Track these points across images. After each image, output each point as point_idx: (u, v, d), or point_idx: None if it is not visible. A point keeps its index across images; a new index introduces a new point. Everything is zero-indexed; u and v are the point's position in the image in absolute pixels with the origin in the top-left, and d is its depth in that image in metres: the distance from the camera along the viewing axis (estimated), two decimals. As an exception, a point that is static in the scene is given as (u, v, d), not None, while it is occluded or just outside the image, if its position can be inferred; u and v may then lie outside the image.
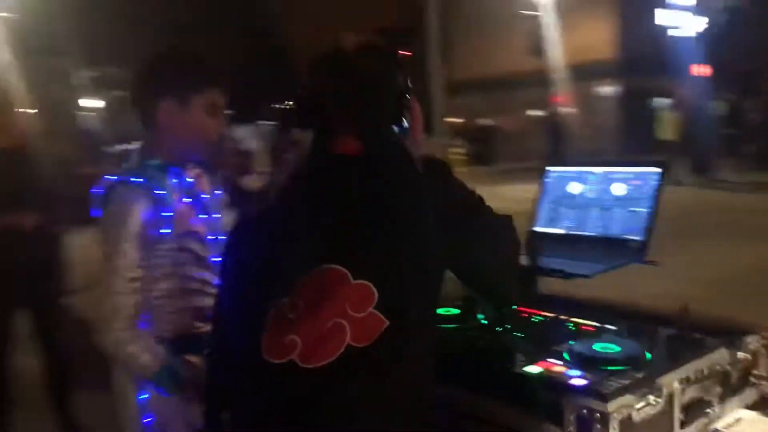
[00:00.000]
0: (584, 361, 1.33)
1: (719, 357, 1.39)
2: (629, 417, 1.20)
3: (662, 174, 1.72)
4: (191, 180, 1.78)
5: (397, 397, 1.17)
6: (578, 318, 1.63)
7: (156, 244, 1.66)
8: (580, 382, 1.26)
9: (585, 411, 1.19)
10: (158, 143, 1.72)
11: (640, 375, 1.27)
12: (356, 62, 1.28)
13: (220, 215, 1.82)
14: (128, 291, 1.63)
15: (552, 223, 1.93)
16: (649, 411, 1.23)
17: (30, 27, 14.83)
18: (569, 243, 1.84)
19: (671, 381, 1.28)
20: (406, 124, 1.31)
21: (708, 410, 1.37)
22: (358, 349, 1.13)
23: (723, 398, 1.40)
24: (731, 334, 1.45)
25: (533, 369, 1.34)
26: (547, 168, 2.00)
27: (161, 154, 1.71)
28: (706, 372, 1.35)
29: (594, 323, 1.59)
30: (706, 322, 1.50)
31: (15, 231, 3.09)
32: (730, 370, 1.40)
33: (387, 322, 1.14)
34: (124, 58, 9.10)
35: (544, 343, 1.46)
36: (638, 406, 1.21)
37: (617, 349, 1.37)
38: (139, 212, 1.64)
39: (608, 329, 1.54)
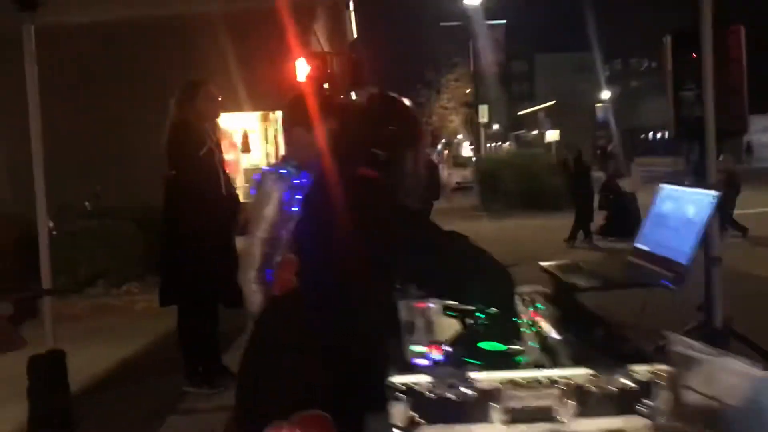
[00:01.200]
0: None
1: (574, 373, 1.44)
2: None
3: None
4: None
5: None
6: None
7: (286, 219, 2.43)
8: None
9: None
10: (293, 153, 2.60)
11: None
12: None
13: None
14: (261, 247, 2.46)
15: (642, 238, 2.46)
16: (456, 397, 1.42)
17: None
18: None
19: (489, 378, 1.43)
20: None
21: (550, 421, 1.43)
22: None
23: (577, 414, 1.43)
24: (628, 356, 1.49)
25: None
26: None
27: (296, 159, 2.56)
28: (544, 381, 1.43)
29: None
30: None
31: None
32: (592, 388, 1.43)
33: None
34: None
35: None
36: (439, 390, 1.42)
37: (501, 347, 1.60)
38: (279, 192, 2.47)
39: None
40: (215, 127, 4.31)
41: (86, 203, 8.01)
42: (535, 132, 55.44)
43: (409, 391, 1.43)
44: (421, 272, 1.90)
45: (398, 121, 2.01)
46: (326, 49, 12.35)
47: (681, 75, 3.83)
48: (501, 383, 1.43)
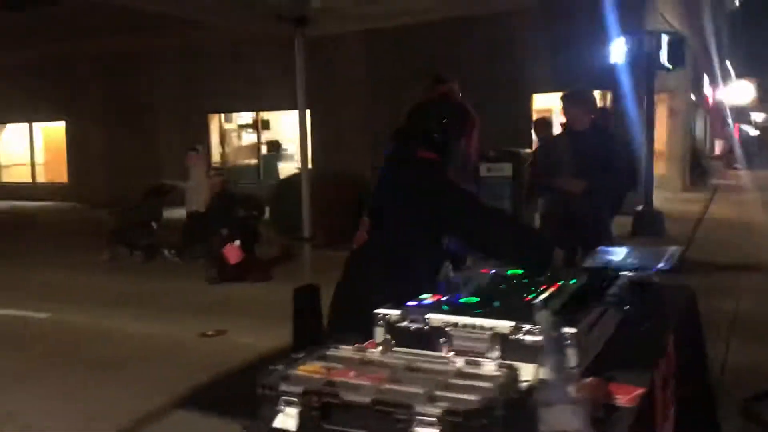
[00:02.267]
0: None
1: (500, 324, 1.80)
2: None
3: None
4: None
5: None
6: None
7: None
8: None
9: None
10: None
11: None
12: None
13: None
14: None
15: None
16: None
17: None
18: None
19: (438, 319, 1.87)
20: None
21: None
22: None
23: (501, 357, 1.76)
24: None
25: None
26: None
27: None
28: (477, 327, 1.83)
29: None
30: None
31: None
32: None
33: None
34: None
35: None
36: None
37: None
38: None
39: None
40: None
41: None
42: None
43: (385, 320, 1.97)
44: (467, 234, 2.42)
45: (451, 114, 2.58)
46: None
47: None
48: (446, 324, 1.89)
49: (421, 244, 2.46)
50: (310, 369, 1.65)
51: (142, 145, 17.77)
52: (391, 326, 1.98)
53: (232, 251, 7.94)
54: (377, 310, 2.01)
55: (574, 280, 2.36)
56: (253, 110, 17.52)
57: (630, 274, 2.45)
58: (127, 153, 17.98)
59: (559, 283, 2.32)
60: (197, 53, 16.73)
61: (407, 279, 2.36)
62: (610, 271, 2.46)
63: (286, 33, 4.44)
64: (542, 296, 2.11)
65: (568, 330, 1.79)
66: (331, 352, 1.79)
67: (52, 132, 20.12)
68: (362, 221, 2.84)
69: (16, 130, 20.74)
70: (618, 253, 2.79)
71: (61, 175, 19.88)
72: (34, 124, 20.29)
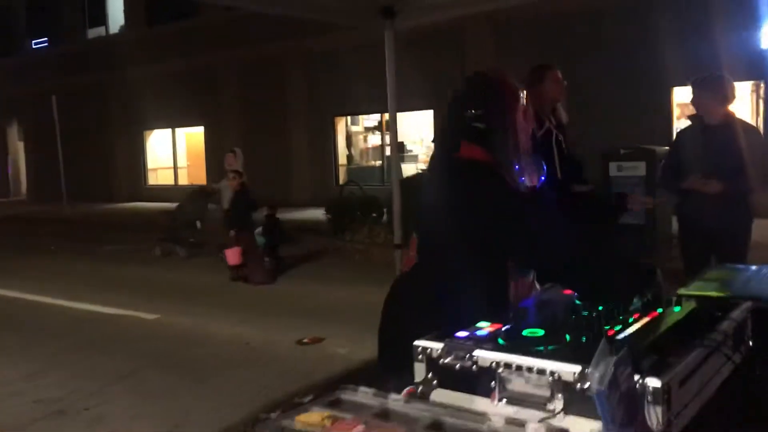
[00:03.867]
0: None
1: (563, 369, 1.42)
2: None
3: None
4: None
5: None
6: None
7: None
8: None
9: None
10: None
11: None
12: None
13: None
14: None
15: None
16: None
17: None
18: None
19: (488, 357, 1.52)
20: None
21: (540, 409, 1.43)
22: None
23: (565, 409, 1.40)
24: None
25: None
26: None
27: None
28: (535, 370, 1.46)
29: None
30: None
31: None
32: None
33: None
34: None
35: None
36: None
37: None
38: None
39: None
40: (556, 109, 4.45)
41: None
42: None
43: (426, 354, 1.63)
44: (529, 255, 2.02)
45: (491, 96, 2.17)
46: None
47: None
48: (497, 364, 1.52)
49: (474, 264, 2.06)
50: (309, 420, 1.34)
51: (273, 148, 18.27)
52: (432, 362, 1.63)
53: (231, 253, 8.24)
54: (418, 342, 1.67)
55: (678, 308, 1.90)
56: (378, 112, 17.50)
57: (755, 302, 1.94)
58: (259, 156, 18.55)
59: (657, 312, 1.88)
60: (325, 57, 16.94)
61: (458, 305, 2.00)
62: (727, 297, 1.96)
63: (377, 26, 4.17)
64: (629, 330, 1.68)
65: (651, 381, 1.37)
66: (347, 396, 1.48)
67: (194, 137, 21.20)
68: (412, 240, 2.43)
69: (162, 135, 22.05)
70: (743, 274, 2.25)
71: (201, 178, 20.89)
72: (177, 130, 21.47)
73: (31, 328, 6.51)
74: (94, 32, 22.74)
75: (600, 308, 1.86)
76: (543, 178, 2.86)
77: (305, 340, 5.40)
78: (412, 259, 2.32)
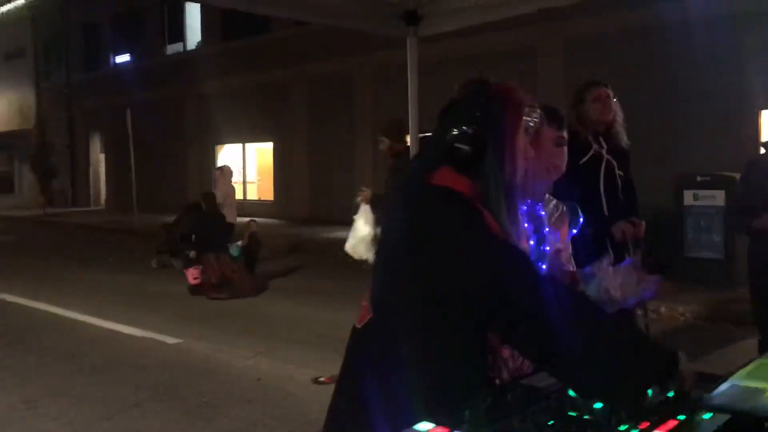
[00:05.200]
0: None
1: None
2: None
3: None
4: None
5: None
6: None
7: None
8: None
9: None
10: None
11: None
12: None
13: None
14: None
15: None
16: None
17: None
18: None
19: None
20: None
21: None
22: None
23: None
24: None
25: None
26: None
27: None
28: None
29: None
30: None
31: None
32: None
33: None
34: None
35: None
36: None
37: None
38: None
39: None
40: (612, 130, 3.86)
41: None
42: None
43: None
44: (505, 327, 1.48)
45: (484, 109, 1.63)
46: None
47: None
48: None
49: (432, 330, 1.55)
50: None
51: (340, 163, 18.07)
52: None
53: (189, 273, 8.87)
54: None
55: (709, 415, 1.36)
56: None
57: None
58: (326, 170, 18.41)
59: (677, 420, 1.34)
60: (394, 71, 16.64)
61: (406, 389, 1.50)
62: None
63: (400, 33, 3.72)
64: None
65: None
66: None
67: (263, 152, 21.28)
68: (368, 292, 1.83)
69: (233, 150, 22.26)
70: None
71: (269, 193, 20.93)
72: (247, 145, 21.62)
73: (46, 345, 6.33)
74: (172, 48, 23.29)
75: (596, 407, 1.33)
76: (575, 230, 2.30)
77: (322, 379, 4.93)
78: (365, 310, 1.78)
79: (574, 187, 3.75)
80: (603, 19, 11.71)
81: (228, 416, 4.44)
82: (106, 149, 26.19)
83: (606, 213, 3.73)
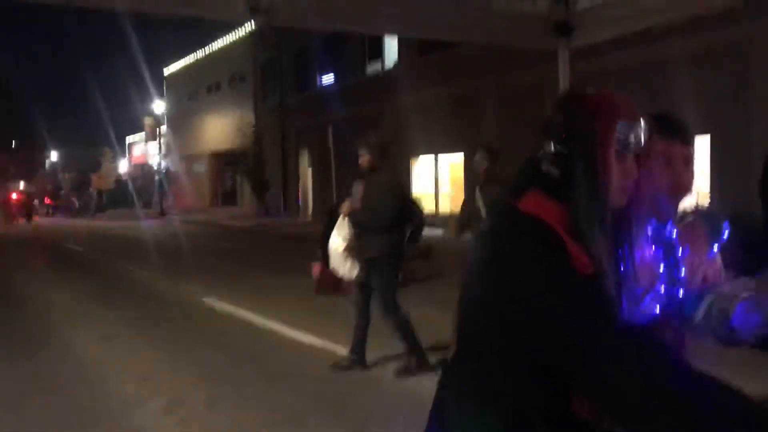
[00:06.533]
0: None
1: None
2: None
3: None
4: None
5: None
6: None
7: None
8: None
9: None
10: None
11: None
12: None
13: None
14: None
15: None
16: None
17: None
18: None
19: None
20: None
21: None
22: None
23: None
24: None
25: None
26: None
27: None
28: None
29: None
30: None
31: None
32: None
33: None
34: None
35: None
36: None
37: None
38: None
39: None
40: None
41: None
42: None
43: None
44: (582, 377, 1.33)
45: (577, 126, 1.47)
46: None
47: None
48: None
49: (504, 376, 1.42)
50: None
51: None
52: None
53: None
54: None
55: None
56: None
57: None
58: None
59: None
60: (587, 81, 15.95)
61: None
62: None
63: (550, 46, 3.53)
64: None
65: None
66: None
67: (455, 164, 21.46)
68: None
69: (426, 161, 22.70)
70: None
71: (459, 205, 21.03)
72: (439, 155, 21.93)
73: (236, 348, 6.86)
74: (372, 68, 24.35)
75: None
76: (717, 245, 2.00)
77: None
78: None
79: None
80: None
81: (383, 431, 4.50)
82: (312, 164, 28.02)
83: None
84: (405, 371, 5.60)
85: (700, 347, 1.79)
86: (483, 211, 5.60)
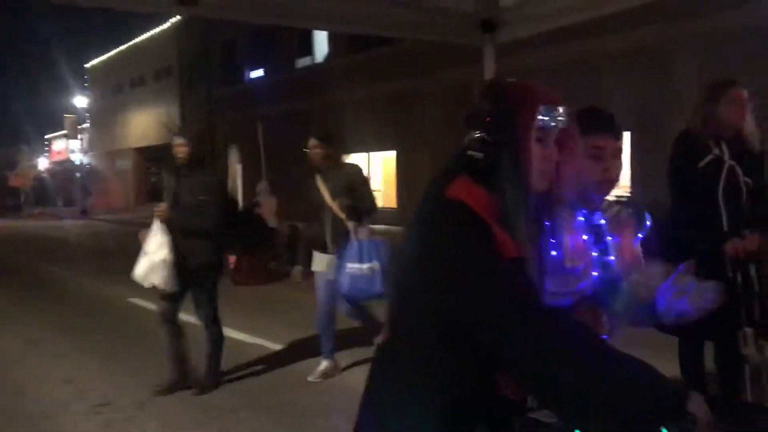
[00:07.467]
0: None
1: None
2: None
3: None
4: None
5: None
6: None
7: None
8: None
9: None
10: None
11: None
12: None
13: None
14: None
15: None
16: None
17: None
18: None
19: None
20: None
21: None
22: None
23: None
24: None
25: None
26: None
27: None
28: None
29: None
30: None
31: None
32: None
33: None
34: None
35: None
36: None
37: None
38: None
39: None
40: (741, 133, 3.53)
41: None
42: None
43: None
44: (507, 363, 1.38)
45: (497, 112, 1.55)
46: None
47: None
48: None
49: (438, 360, 1.48)
50: None
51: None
52: None
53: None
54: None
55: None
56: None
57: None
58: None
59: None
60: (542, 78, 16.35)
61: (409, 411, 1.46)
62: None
63: (475, 42, 3.61)
64: None
65: None
66: None
67: (388, 161, 21.60)
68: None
69: (358, 159, 22.74)
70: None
71: (392, 201, 21.17)
72: (371, 154, 22.01)
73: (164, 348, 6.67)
74: (301, 62, 24.20)
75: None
76: (641, 234, 2.09)
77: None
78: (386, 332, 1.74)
79: (690, 194, 3.51)
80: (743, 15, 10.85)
81: (317, 427, 4.51)
82: (242, 159, 27.61)
83: (725, 223, 3.45)
84: (201, 390, 5.21)
85: (618, 328, 1.88)
86: (327, 198, 5.17)
